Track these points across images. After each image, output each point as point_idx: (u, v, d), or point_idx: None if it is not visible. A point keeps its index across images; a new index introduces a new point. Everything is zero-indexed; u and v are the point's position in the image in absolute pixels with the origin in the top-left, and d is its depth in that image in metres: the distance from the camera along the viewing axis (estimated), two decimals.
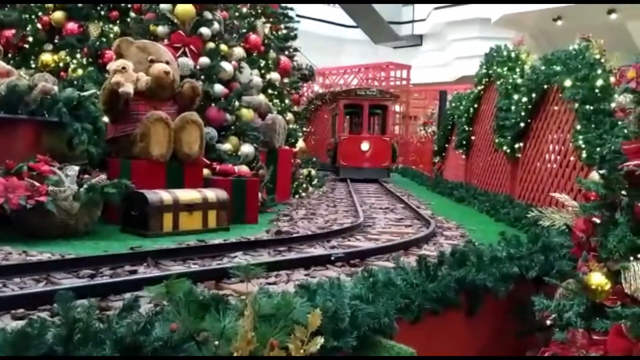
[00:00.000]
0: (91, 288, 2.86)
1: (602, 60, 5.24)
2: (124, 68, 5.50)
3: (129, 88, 5.45)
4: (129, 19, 7.67)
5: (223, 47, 6.94)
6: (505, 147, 7.26)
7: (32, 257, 3.79)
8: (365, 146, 13.68)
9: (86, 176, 4.96)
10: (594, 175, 3.70)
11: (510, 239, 3.98)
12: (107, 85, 5.62)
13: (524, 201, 6.81)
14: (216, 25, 6.86)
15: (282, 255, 4.23)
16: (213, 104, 6.65)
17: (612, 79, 4.98)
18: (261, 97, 8.19)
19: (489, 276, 3.31)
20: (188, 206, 5.20)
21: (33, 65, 7.68)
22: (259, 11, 9.05)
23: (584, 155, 4.99)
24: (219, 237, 4.92)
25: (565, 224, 3.44)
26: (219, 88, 6.68)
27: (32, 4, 7.88)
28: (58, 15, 7.70)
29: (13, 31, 7.84)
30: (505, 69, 7.77)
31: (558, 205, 4.17)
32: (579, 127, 5.14)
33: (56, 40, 7.77)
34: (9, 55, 7.70)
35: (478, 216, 7.25)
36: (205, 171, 6.12)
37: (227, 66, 6.86)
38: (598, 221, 2.94)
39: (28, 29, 7.85)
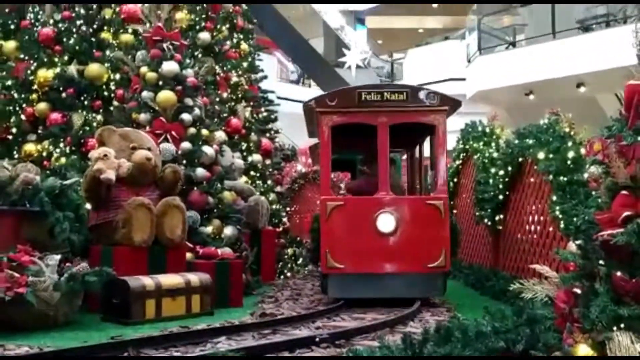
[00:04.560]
0: None
1: (572, 133, 5.41)
2: (105, 155, 5.57)
3: (110, 175, 5.50)
4: (111, 108, 7.82)
5: (204, 131, 7.08)
6: (486, 220, 7.33)
7: (9, 350, 3.70)
8: (386, 222, 5.98)
9: (67, 264, 4.92)
10: (572, 246, 3.76)
11: (494, 313, 3.97)
12: (89, 172, 5.67)
13: (509, 272, 6.82)
14: (197, 111, 7.01)
15: (266, 338, 4.18)
16: (195, 188, 6.70)
17: (583, 151, 5.13)
18: (243, 180, 8.28)
19: (475, 352, 3.28)
20: (171, 291, 5.14)
21: (16, 155, 7.75)
22: (240, 96, 9.29)
23: (561, 225, 5.07)
24: (203, 322, 4.86)
25: (547, 296, 3.46)
26: (200, 172, 6.76)
27: (16, 96, 8.04)
28: (42, 106, 7.85)
29: None
30: (481, 143, 7.96)
31: (541, 276, 4.20)
32: (554, 198, 5.25)
33: (40, 131, 7.88)
34: None
35: (463, 290, 7.22)
36: (188, 255, 6.09)
37: (209, 150, 6.97)
38: (579, 292, 2.96)
39: (12, 120, 7.97)
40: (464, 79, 17.08)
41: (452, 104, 6.22)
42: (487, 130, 8.23)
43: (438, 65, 18.78)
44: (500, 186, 6.91)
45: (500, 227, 7.22)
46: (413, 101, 6.11)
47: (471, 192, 8.27)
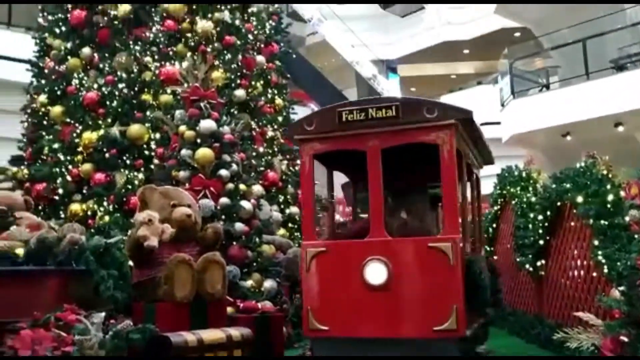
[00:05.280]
0: None
1: (610, 175, 5.35)
2: (150, 220, 5.67)
3: (154, 242, 5.59)
4: (152, 166, 8.07)
5: (242, 186, 7.22)
6: (527, 266, 7.21)
7: None
8: (376, 272, 4.56)
9: (112, 322, 5.01)
10: (615, 292, 3.68)
11: None
12: (133, 235, 5.78)
13: (554, 320, 6.65)
14: (234, 167, 7.18)
15: None
16: (234, 242, 6.80)
17: (622, 193, 5.06)
18: (281, 232, 8.35)
19: None
20: (213, 346, 5.17)
21: (62, 216, 8.02)
22: (276, 149, 9.47)
23: (605, 270, 4.97)
24: None
25: (593, 344, 3.38)
26: (239, 226, 6.87)
27: (62, 158, 8.38)
28: (87, 167, 8.16)
29: (44, 184, 8.27)
30: (519, 188, 7.91)
31: (587, 324, 4.10)
32: (596, 242, 5.16)
33: (84, 191, 8.17)
34: (40, 207, 8.07)
35: (508, 338, 7.06)
36: (229, 309, 6.14)
37: (247, 204, 7.09)
38: (626, 340, 2.90)
39: (58, 181, 8.28)
40: (498, 123, 17.04)
41: (460, 116, 4.69)
42: (524, 174, 8.17)
43: (473, 110, 18.78)
44: (540, 231, 6.82)
45: (543, 273, 7.09)
46: (406, 117, 4.67)
47: (511, 238, 8.17)
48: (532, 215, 7.10)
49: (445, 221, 4.60)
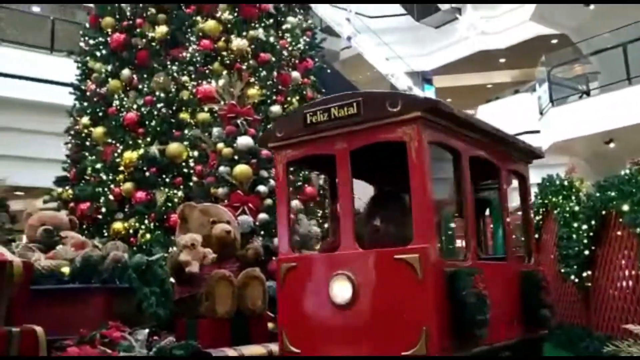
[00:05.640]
0: None
1: None
2: (192, 245, 5.70)
3: (195, 268, 5.60)
4: (191, 183, 8.18)
5: None
6: (572, 277, 7.04)
7: None
8: (340, 290, 4.02)
9: (155, 338, 5.08)
10: None
11: None
12: (175, 257, 5.81)
13: (603, 332, 6.46)
14: (272, 182, 7.22)
15: None
16: (273, 258, 6.82)
17: None
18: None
19: None
20: None
21: (105, 234, 8.19)
22: None
23: None
24: None
25: None
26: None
27: (104, 177, 8.57)
28: (128, 185, 8.32)
29: (88, 204, 8.47)
30: (561, 197, 7.74)
31: (638, 336, 3.98)
32: None
33: (126, 209, 8.32)
34: (84, 226, 8.26)
35: (554, 352, 6.87)
36: (270, 325, 6.14)
37: None
38: None
39: (101, 200, 8.47)
40: (537, 131, 16.76)
41: (427, 106, 4.00)
42: (566, 183, 8.00)
43: (510, 119, 18.55)
44: (585, 241, 6.66)
45: (589, 284, 6.91)
46: (369, 113, 4.10)
47: (554, 249, 7.99)
48: (575, 224, 6.94)
49: (415, 229, 3.88)
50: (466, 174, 4.31)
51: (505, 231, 4.94)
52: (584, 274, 6.88)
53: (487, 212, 6.58)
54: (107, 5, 9.68)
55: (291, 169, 4.80)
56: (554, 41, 20.39)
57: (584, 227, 6.62)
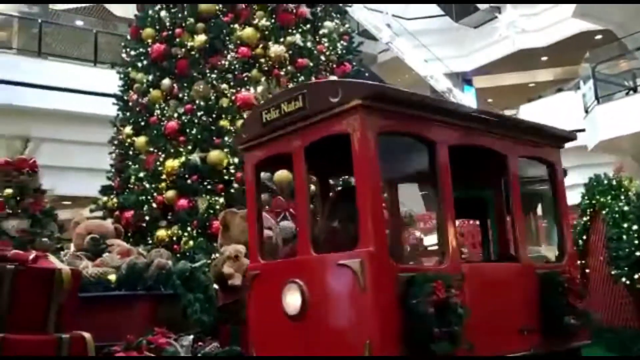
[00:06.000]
0: None
1: None
2: (236, 257, 5.72)
3: (237, 281, 5.64)
4: (232, 190, 8.23)
5: None
6: (623, 279, 6.82)
7: None
8: (291, 299, 3.69)
9: (200, 344, 5.12)
10: None
11: None
12: (218, 267, 5.84)
13: None
14: (313, 187, 7.21)
15: None
16: None
17: None
18: None
19: None
20: None
21: (150, 241, 8.31)
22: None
23: None
24: None
25: None
26: None
27: (147, 186, 8.71)
28: (170, 193, 8.43)
29: (132, 212, 8.61)
30: (609, 197, 7.51)
31: None
32: None
33: (169, 217, 8.43)
34: (129, 234, 8.40)
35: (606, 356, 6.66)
36: None
37: None
38: None
39: (145, 208, 8.61)
40: (583, 130, 16.35)
41: (367, 92, 3.55)
42: (614, 182, 7.76)
43: (554, 118, 18.11)
44: (636, 242, 6.45)
45: None
46: (314, 106, 3.75)
47: (603, 250, 7.76)
48: (625, 225, 6.73)
49: (360, 231, 3.44)
50: (444, 166, 3.83)
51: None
52: (636, 276, 6.66)
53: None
54: (148, 16, 9.85)
55: (261, 171, 4.57)
56: (598, 37, 19.89)
57: (635, 227, 6.42)
